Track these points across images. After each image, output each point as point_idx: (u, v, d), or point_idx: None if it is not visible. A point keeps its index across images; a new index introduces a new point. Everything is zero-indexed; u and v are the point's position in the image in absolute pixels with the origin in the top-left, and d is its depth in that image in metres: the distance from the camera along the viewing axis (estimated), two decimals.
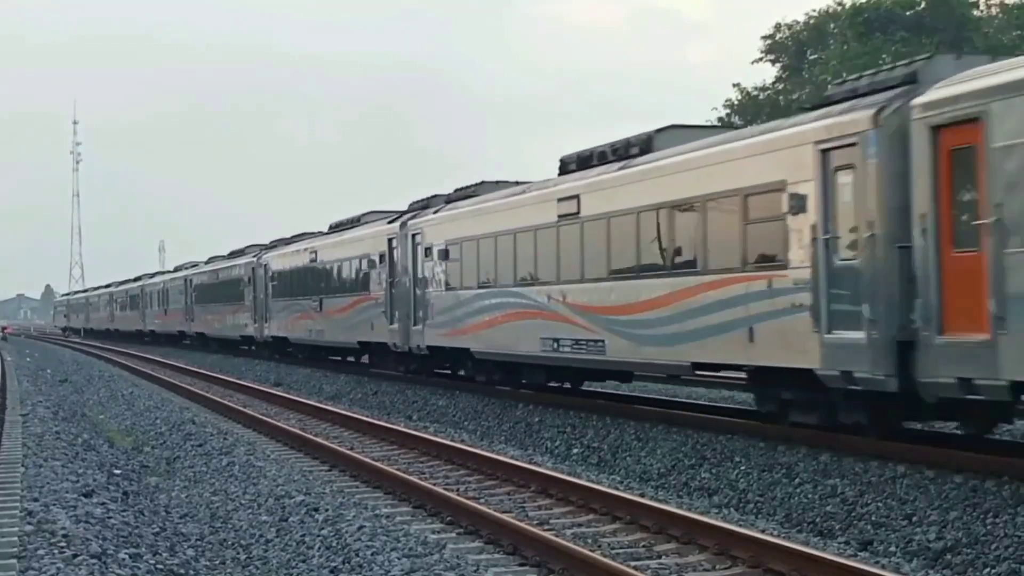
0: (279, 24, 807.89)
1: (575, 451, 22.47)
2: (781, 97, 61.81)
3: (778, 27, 64.90)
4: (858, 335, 17.18)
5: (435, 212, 33.91)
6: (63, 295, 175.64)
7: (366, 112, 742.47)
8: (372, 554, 13.22)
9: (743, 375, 22.06)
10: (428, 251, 33.36)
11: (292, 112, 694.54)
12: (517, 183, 31.03)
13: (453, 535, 15.02)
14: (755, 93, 64.20)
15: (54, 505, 14.29)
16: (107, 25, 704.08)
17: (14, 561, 11.20)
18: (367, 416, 29.08)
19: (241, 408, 31.59)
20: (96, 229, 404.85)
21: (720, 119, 63.93)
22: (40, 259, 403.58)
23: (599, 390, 30.37)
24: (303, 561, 13.49)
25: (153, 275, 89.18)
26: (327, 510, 15.86)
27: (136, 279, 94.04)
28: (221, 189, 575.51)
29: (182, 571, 12.43)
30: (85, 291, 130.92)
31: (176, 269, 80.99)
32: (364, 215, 43.06)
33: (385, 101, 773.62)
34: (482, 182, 33.39)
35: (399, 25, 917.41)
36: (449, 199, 34.44)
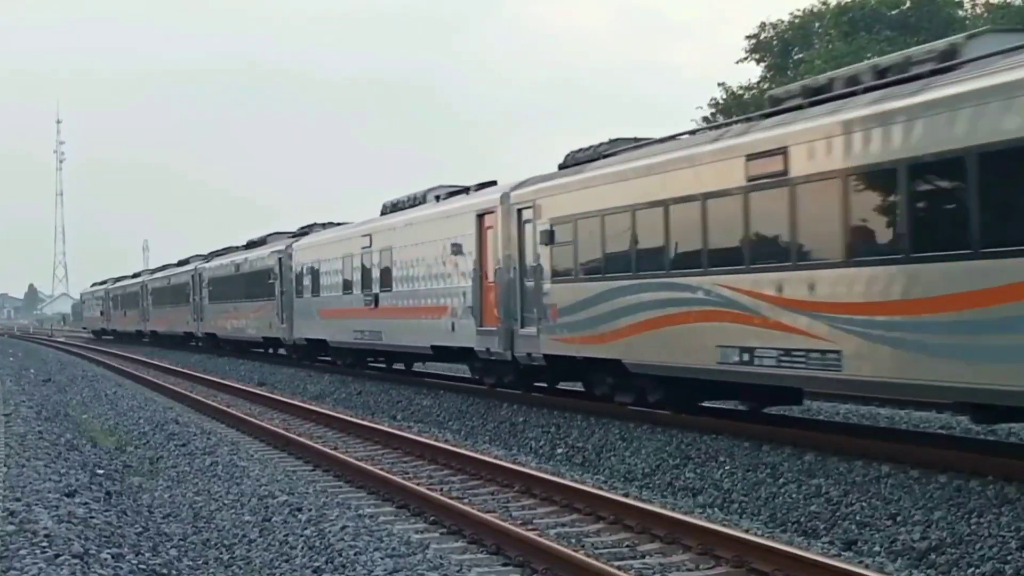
0: (268, 26, 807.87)
1: (559, 451, 22.46)
2: (766, 96, 61.78)
3: (763, 26, 64.96)
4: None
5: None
6: (95, 284, 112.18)
7: (358, 116, 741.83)
8: (355, 554, 13.19)
9: None
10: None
11: (280, 113, 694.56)
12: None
13: (436, 535, 15.01)
14: (740, 92, 64.24)
15: (36, 505, 14.23)
16: (93, 21, 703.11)
17: None
18: (351, 416, 29.05)
19: (225, 408, 31.54)
20: (79, 229, 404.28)
21: (705, 118, 63.97)
22: (23, 259, 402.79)
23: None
24: (286, 561, 13.45)
25: (301, 232, 49.45)
26: (310, 510, 15.82)
27: (251, 244, 55.97)
28: (208, 189, 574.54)
29: (165, 571, 12.38)
30: (136, 275, 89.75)
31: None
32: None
33: (376, 104, 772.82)
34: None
35: (386, 29, 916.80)
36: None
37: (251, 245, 55.68)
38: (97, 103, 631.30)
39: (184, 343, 71.15)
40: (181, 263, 72.84)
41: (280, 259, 48.09)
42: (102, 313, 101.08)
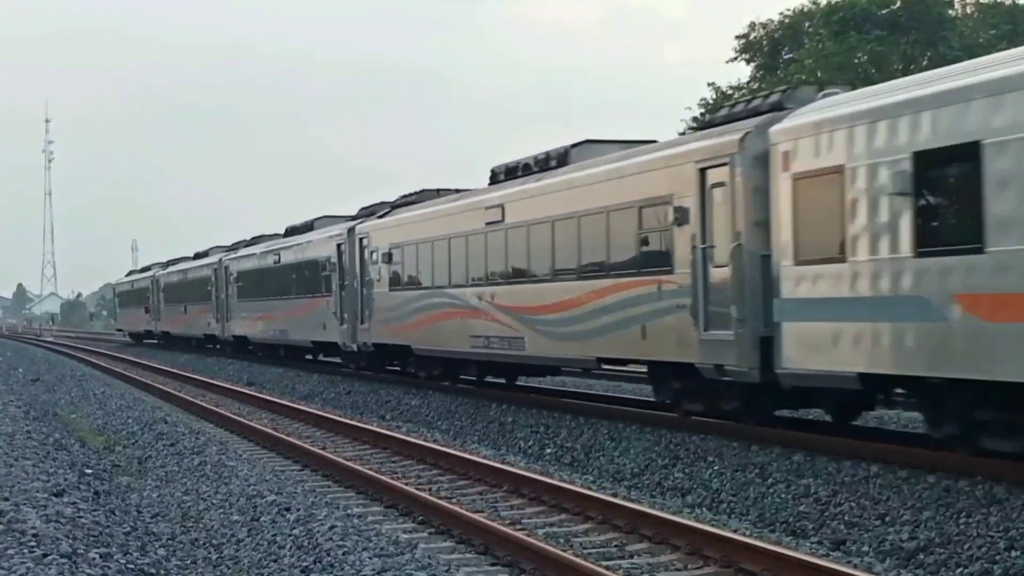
0: (254, 19, 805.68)
1: (548, 451, 22.46)
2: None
3: (752, 26, 64.93)
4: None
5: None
6: (133, 272, 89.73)
7: (346, 108, 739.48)
8: (343, 554, 13.18)
9: None
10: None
11: (267, 108, 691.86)
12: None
13: (425, 535, 15.00)
14: (730, 92, 64.22)
15: (24, 504, 14.18)
16: (80, 20, 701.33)
17: None
18: (340, 416, 29.02)
19: (213, 408, 31.50)
20: (67, 228, 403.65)
21: (695, 118, 63.99)
22: (11, 258, 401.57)
23: (570, 389, 30.30)
24: (274, 561, 13.43)
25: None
26: (299, 510, 15.80)
27: (549, 161, 27.46)
28: (194, 188, 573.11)
29: (153, 571, 12.35)
30: (202, 255, 64.69)
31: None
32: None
33: (366, 98, 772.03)
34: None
35: (375, 22, 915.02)
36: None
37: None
38: (83, 101, 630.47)
39: (301, 358, 47.68)
40: (293, 230, 46.71)
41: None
42: (147, 310, 75.90)
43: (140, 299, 79.09)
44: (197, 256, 65.79)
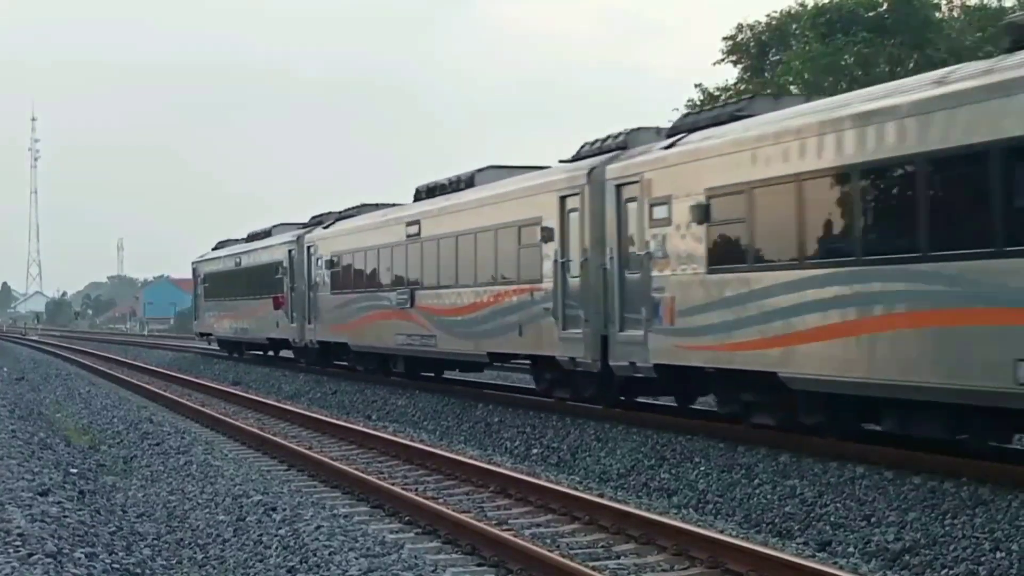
0: (244, 20, 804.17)
1: (535, 451, 22.46)
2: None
3: (740, 28, 64.98)
4: None
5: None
6: (233, 241, 55.21)
7: (336, 111, 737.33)
8: (330, 554, 13.15)
9: None
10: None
11: (255, 110, 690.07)
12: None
13: (411, 535, 14.99)
14: (717, 93, 64.25)
15: (9, 504, 14.13)
16: (70, 20, 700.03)
17: None
18: (326, 415, 28.99)
19: (199, 407, 31.45)
20: (52, 226, 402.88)
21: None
22: None
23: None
24: (260, 561, 13.40)
25: None
26: (285, 510, 15.77)
27: None
28: (184, 186, 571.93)
29: (138, 571, 12.31)
30: (439, 188, 31.85)
31: None
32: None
33: (356, 100, 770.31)
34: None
35: (365, 22, 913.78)
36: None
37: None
38: (74, 100, 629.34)
39: None
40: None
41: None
42: (276, 303, 43.93)
43: (258, 284, 47.46)
44: (432, 192, 33.01)
